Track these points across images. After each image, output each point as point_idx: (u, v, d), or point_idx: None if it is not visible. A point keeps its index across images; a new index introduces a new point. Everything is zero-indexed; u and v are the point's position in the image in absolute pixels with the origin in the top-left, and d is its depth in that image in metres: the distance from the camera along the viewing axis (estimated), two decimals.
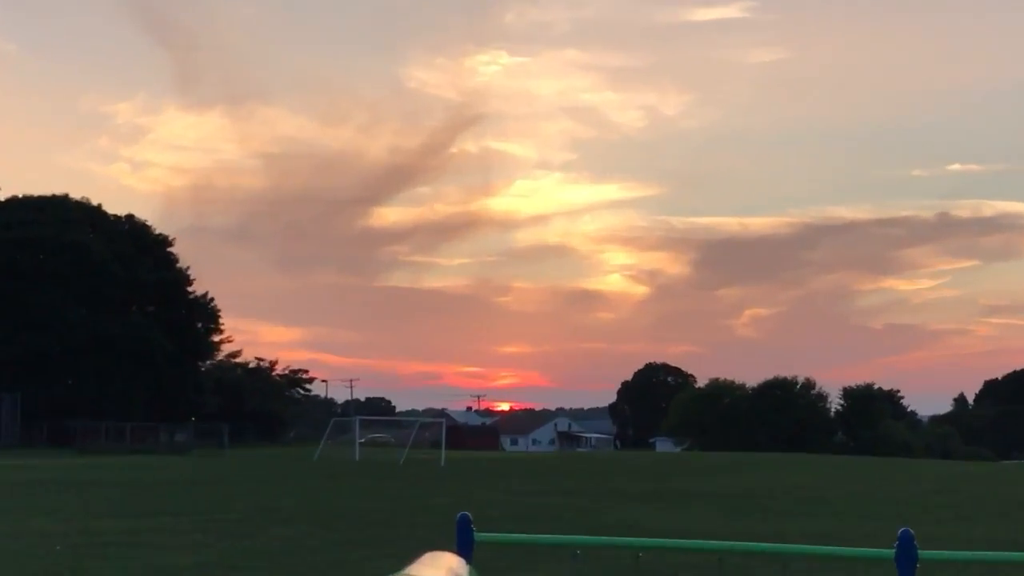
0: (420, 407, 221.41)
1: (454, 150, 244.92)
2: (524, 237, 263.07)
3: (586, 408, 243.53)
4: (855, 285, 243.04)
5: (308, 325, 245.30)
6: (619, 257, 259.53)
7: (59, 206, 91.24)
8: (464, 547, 5.93)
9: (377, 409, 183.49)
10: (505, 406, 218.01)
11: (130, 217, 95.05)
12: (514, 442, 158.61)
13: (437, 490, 34.18)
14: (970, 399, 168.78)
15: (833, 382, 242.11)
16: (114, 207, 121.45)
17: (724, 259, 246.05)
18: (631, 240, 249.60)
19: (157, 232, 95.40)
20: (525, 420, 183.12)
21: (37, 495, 29.46)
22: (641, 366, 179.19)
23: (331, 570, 15.02)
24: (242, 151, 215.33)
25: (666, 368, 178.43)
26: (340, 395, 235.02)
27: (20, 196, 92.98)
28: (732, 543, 6.16)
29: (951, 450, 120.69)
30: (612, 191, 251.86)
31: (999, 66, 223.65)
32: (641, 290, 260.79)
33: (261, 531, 19.96)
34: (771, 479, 44.53)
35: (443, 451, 62.99)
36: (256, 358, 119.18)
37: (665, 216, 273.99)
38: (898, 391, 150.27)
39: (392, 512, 24.86)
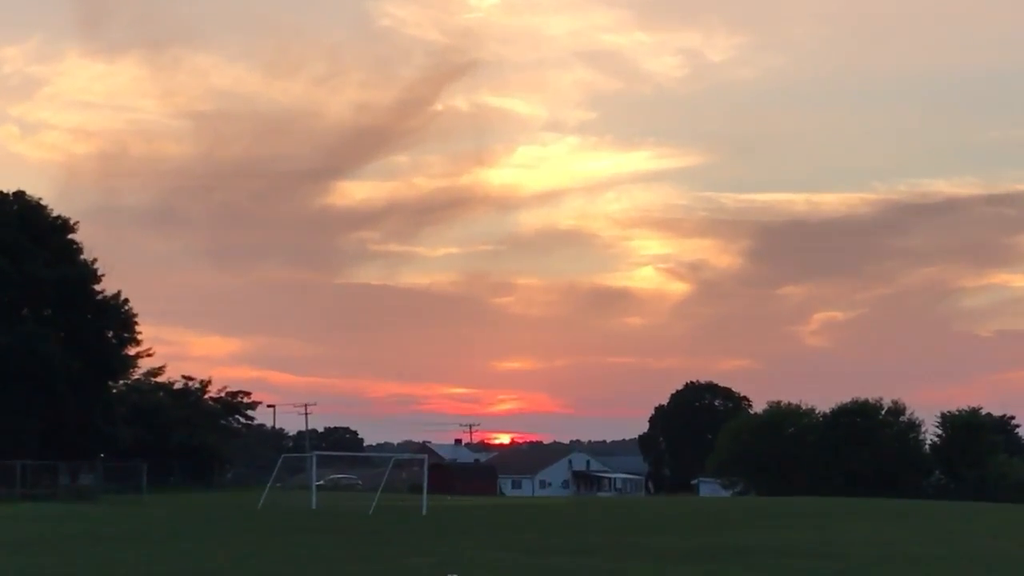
0: (395, 440, 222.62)
1: (439, 107, 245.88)
2: (529, 220, 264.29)
3: (609, 441, 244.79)
4: (957, 281, 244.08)
5: (250, 334, 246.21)
6: (652, 245, 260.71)
7: None
8: None
9: (340, 443, 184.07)
10: (505, 438, 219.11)
11: (20, 195, 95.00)
12: (516, 485, 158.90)
13: (417, 547, 34.19)
14: None
15: (928, 406, 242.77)
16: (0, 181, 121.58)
17: (787, 248, 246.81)
18: (667, 223, 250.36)
19: (55, 215, 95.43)
20: (531, 456, 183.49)
21: None
22: (681, 386, 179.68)
23: None
24: (164, 109, 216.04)
25: (713, 389, 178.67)
26: (292, 424, 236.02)
27: None
28: None
29: None
30: (642, 160, 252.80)
31: None
32: (680, 288, 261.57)
33: None
34: (850, 532, 44.54)
35: (425, 496, 63.05)
36: (184, 377, 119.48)
37: (711, 192, 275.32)
38: (1012, 418, 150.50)
39: None
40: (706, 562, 29.70)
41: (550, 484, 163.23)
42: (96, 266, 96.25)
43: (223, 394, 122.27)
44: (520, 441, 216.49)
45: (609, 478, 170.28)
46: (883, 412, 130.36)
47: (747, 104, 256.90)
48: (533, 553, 32.26)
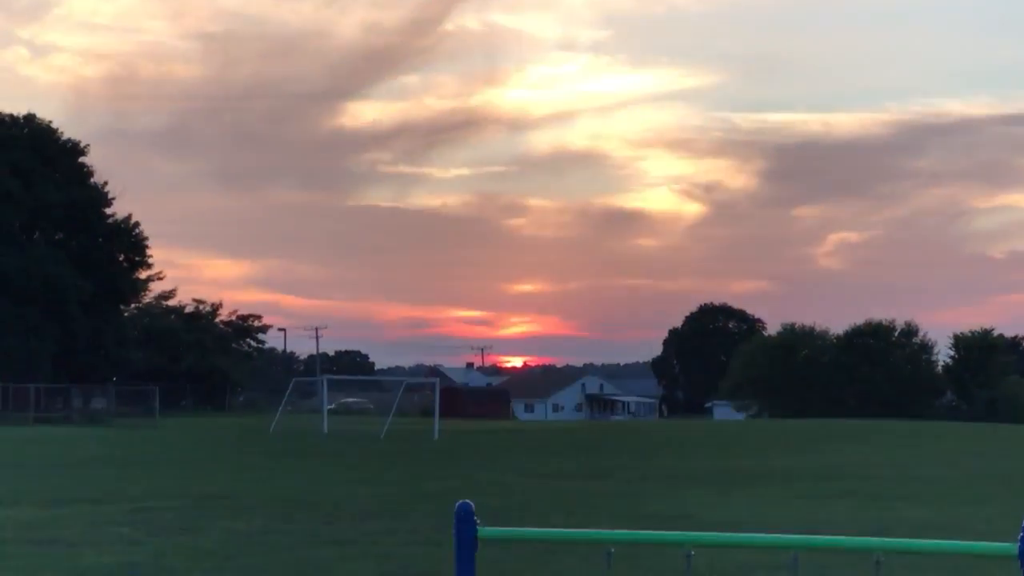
0: (407, 363, 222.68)
1: (449, 27, 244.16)
2: (541, 140, 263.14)
3: (623, 364, 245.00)
4: (970, 201, 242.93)
5: (261, 257, 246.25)
6: (666, 166, 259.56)
7: None
8: (465, 545, 5.98)
9: (351, 366, 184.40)
10: (517, 362, 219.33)
11: (30, 118, 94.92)
12: (529, 408, 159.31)
13: (429, 471, 34.37)
14: None
15: (941, 327, 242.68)
16: (9, 104, 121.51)
17: (802, 168, 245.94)
18: (681, 144, 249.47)
19: (66, 138, 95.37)
20: (543, 380, 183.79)
21: None
22: (695, 309, 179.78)
23: (293, 573, 15.15)
24: (174, 31, 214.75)
25: (727, 311, 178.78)
26: (303, 348, 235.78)
27: None
28: (811, 537, 6.22)
29: None
30: (656, 80, 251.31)
31: None
32: (694, 209, 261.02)
33: (204, 524, 20.09)
34: (862, 453, 44.72)
35: (436, 420, 63.27)
36: (195, 300, 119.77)
37: (726, 112, 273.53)
38: None
39: (371, 500, 25.01)
40: (719, 484, 29.84)
41: (563, 408, 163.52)
42: (107, 189, 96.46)
43: (234, 317, 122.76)
44: (533, 364, 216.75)
45: (622, 401, 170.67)
46: (896, 333, 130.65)
47: (762, 23, 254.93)
48: (547, 477, 32.42)
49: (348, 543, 17.73)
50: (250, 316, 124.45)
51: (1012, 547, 6.04)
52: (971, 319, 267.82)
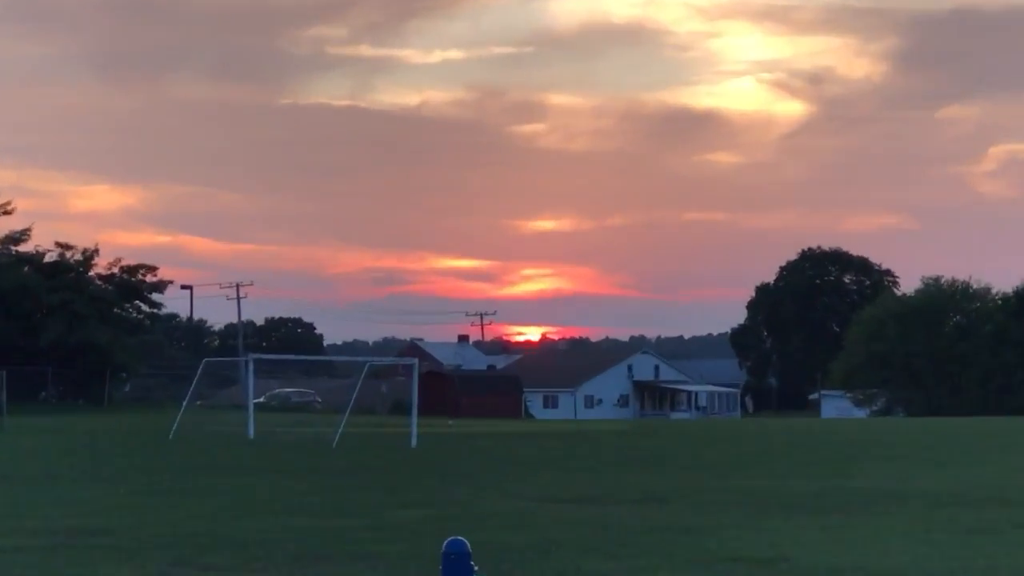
0: (371, 337, 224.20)
1: None
2: (567, 9, 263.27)
3: (689, 338, 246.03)
4: None
5: (156, 180, 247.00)
6: (751, 47, 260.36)
7: None
8: None
9: (290, 340, 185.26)
10: (533, 334, 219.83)
11: None
12: (551, 402, 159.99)
13: (404, 494, 34.55)
14: None
15: None
16: None
17: (950, 51, 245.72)
18: (774, 14, 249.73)
19: None
20: (572, 361, 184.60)
21: None
22: (794, 256, 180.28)
23: None
24: None
25: (841, 259, 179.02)
26: (219, 314, 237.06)
27: None
28: None
29: None
30: None
31: None
32: (794, 110, 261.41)
33: (75, 572, 20.25)
34: None
35: (415, 420, 63.53)
36: (59, 245, 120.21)
37: None
38: None
39: (319, 535, 25.20)
40: (828, 512, 30.00)
41: (600, 401, 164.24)
42: None
43: (117, 270, 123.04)
44: (556, 338, 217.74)
45: (688, 392, 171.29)
46: None
47: None
48: (577, 502, 32.60)
49: None
50: (141, 267, 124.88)
51: None
52: None
